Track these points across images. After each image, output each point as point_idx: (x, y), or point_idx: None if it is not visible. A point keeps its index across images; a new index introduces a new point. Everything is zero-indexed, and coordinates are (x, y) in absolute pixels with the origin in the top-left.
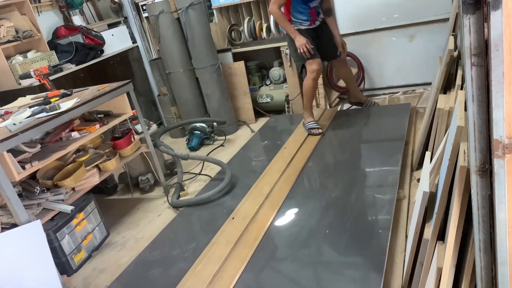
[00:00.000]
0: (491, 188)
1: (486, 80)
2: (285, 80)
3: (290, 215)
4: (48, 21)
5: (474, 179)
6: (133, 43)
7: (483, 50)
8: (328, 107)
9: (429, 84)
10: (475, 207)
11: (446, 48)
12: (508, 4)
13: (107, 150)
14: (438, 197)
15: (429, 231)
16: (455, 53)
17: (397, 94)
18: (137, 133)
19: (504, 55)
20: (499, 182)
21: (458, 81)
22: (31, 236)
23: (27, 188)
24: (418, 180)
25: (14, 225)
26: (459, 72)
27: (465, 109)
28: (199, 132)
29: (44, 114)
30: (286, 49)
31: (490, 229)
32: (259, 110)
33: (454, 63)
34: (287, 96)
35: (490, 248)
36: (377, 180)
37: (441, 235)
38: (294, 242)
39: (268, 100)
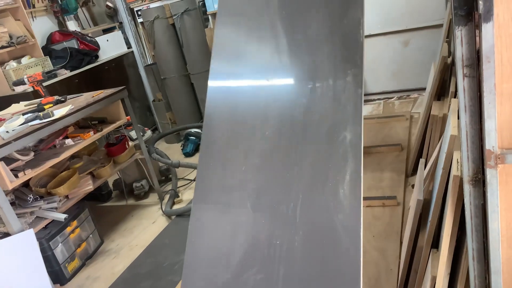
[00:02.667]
0: (484, 198)
1: (478, 91)
2: None
3: None
4: (43, 26)
5: (467, 188)
6: (128, 48)
7: (475, 61)
8: None
9: (424, 89)
10: (468, 216)
11: (440, 55)
12: (499, 16)
13: (101, 157)
14: (432, 204)
15: (423, 238)
16: (449, 60)
17: (392, 99)
18: (132, 139)
19: (495, 66)
20: (491, 192)
21: (452, 88)
22: (23, 245)
23: (20, 196)
24: (413, 186)
25: (7, 234)
26: (453, 79)
27: (458, 118)
28: (194, 138)
29: (37, 121)
30: None
31: (483, 238)
32: None
33: (447, 69)
34: None
35: (483, 257)
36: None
37: (435, 243)
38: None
39: None
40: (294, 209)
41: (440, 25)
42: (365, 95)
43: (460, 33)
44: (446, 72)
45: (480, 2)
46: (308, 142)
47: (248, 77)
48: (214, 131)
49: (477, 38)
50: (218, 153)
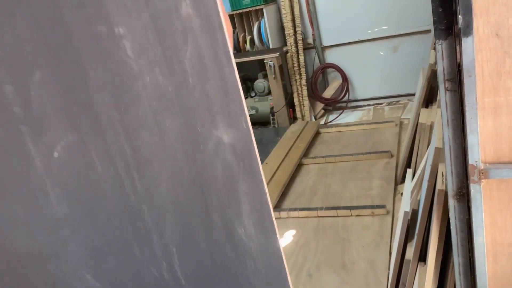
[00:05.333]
0: (468, 212)
1: (461, 105)
2: (269, 92)
3: None
4: None
5: (452, 203)
6: None
7: (456, 75)
8: (314, 119)
9: (413, 94)
10: (453, 231)
11: (428, 62)
12: (479, 30)
13: None
14: (419, 217)
15: (411, 251)
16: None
17: (382, 105)
18: None
19: (477, 81)
20: (476, 207)
21: (439, 95)
22: None
23: None
24: (402, 194)
25: None
26: None
27: None
28: None
29: None
30: (270, 61)
31: (469, 253)
32: None
33: (435, 76)
34: (272, 108)
35: (469, 272)
36: None
37: (423, 256)
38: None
39: (253, 112)
40: (171, 270)
41: (429, 31)
42: (354, 100)
43: (440, 47)
44: (434, 79)
45: (460, 16)
46: (150, 149)
47: None
48: None
49: (458, 51)
50: None
